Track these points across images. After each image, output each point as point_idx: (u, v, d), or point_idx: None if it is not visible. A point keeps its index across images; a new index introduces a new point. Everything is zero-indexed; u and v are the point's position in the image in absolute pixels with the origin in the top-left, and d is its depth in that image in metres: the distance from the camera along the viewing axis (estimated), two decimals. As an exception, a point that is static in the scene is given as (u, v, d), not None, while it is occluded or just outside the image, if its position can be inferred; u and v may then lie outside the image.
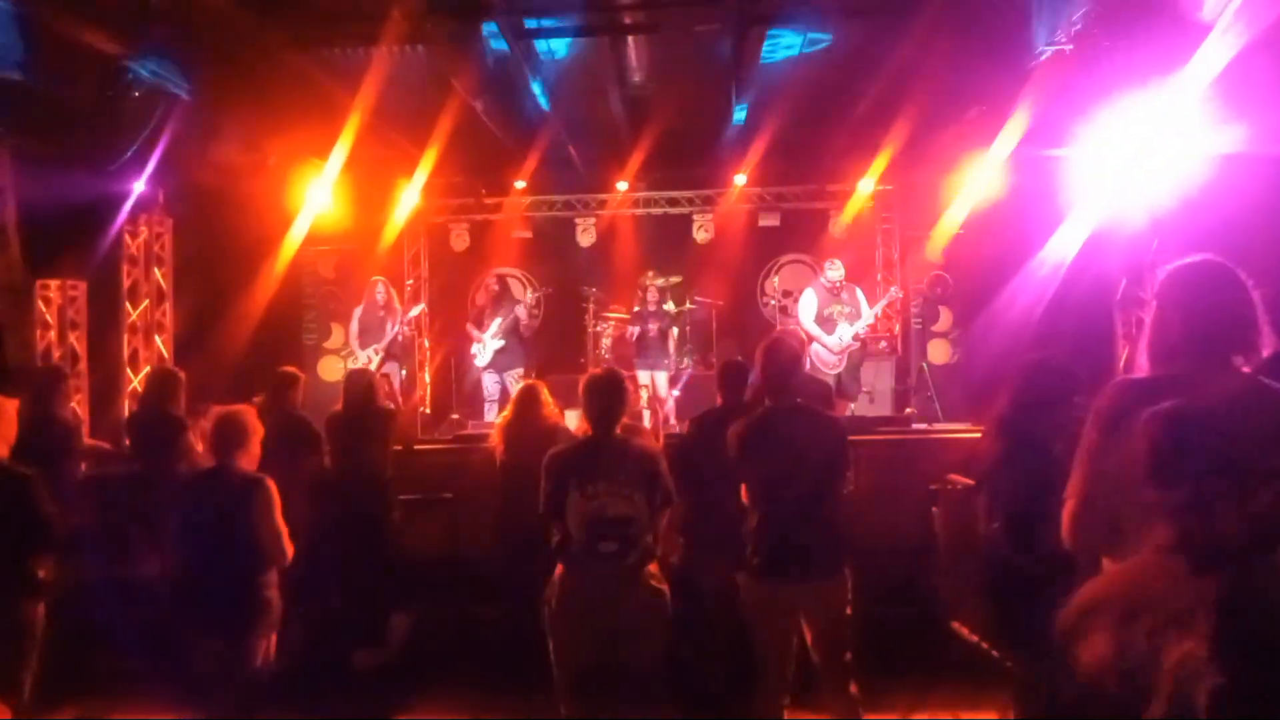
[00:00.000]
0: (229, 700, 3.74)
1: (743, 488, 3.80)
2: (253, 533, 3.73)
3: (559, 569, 3.69)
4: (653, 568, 3.67)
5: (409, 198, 10.31)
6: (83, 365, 8.22)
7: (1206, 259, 2.32)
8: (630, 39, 7.37)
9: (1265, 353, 2.38)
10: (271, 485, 3.86)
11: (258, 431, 3.97)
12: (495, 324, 9.59)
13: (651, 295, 9.91)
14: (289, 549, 3.84)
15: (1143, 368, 2.32)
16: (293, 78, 7.38)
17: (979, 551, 3.65)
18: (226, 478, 3.83)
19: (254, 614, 3.76)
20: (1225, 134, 6.67)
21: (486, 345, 9.56)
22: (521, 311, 10.15)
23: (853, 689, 3.77)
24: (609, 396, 3.62)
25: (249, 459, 3.92)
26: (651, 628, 3.62)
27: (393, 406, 6.60)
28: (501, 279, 10.20)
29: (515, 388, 9.17)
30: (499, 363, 9.58)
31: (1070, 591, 2.79)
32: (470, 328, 9.82)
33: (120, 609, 5.57)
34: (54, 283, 7.97)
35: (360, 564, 5.25)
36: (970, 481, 4.12)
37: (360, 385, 5.63)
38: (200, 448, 5.82)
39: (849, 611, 3.77)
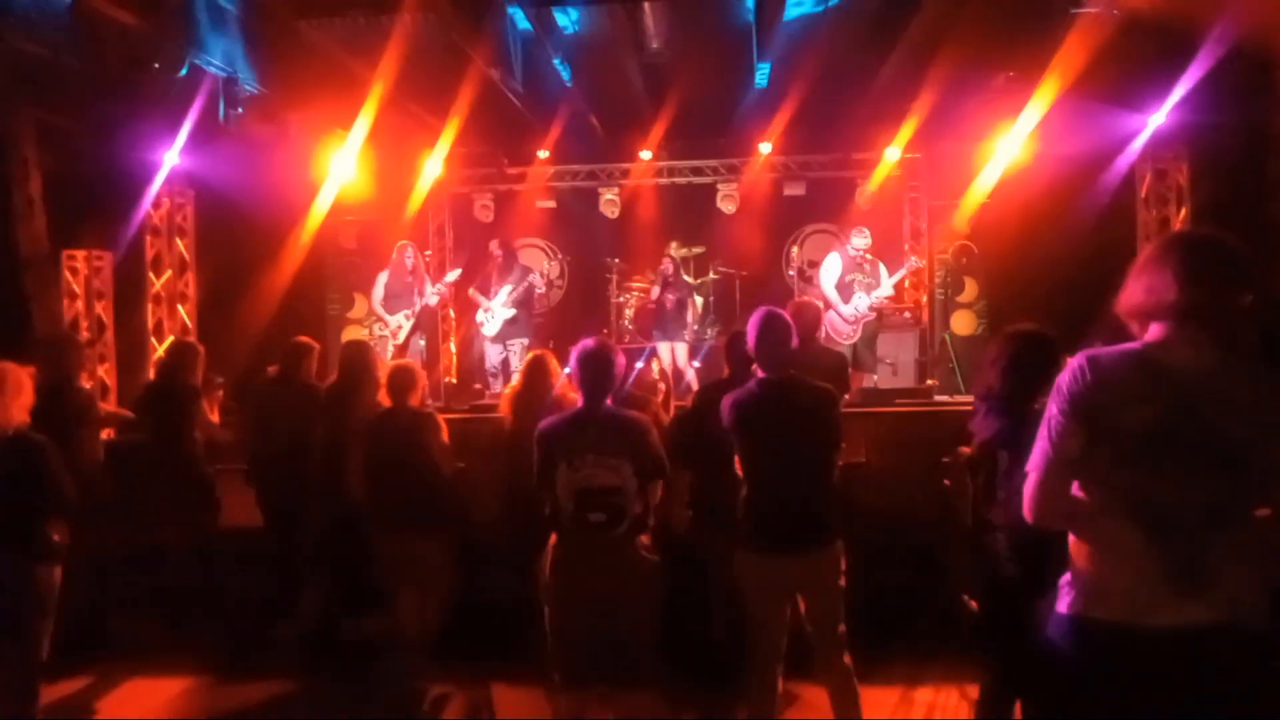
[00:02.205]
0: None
1: (736, 459, 3.79)
2: (427, 453, 4.69)
3: (552, 539, 3.72)
4: (644, 538, 3.67)
5: (431, 168, 10.33)
6: (109, 334, 8.38)
7: (1196, 229, 2.25)
8: (646, 5, 7.30)
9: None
10: (439, 416, 4.85)
11: (423, 379, 4.96)
12: (504, 292, 9.27)
13: (668, 266, 9.84)
14: (454, 462, 4.86)
15: (1127, 328, 2.24)
16: (314, 49, 7.40)
17: (976, 533, 3.61)
18: (401, 414, 4.75)
19: (433, 515, 4.70)
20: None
21: (495, 314, 9.28)
22: (537, 280, 9.93)
23: (846, 660, 3.76)
24: (598, 368, 3.62)
25: (417, 398, 4.85)
26: (643, 597, 3.64)
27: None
28: (506, 244, 9.76)
29: (517, 359, 9.07)
30: (506, 333, 9.32)
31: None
32: (474, 293, 9.50)
33: (139, 572, 5.74)
34: (80, 253, 8.10)
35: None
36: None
37: (355, 358, 5.51)
38: (215, 417, 5.95)
39: (842, 583, 3.75)
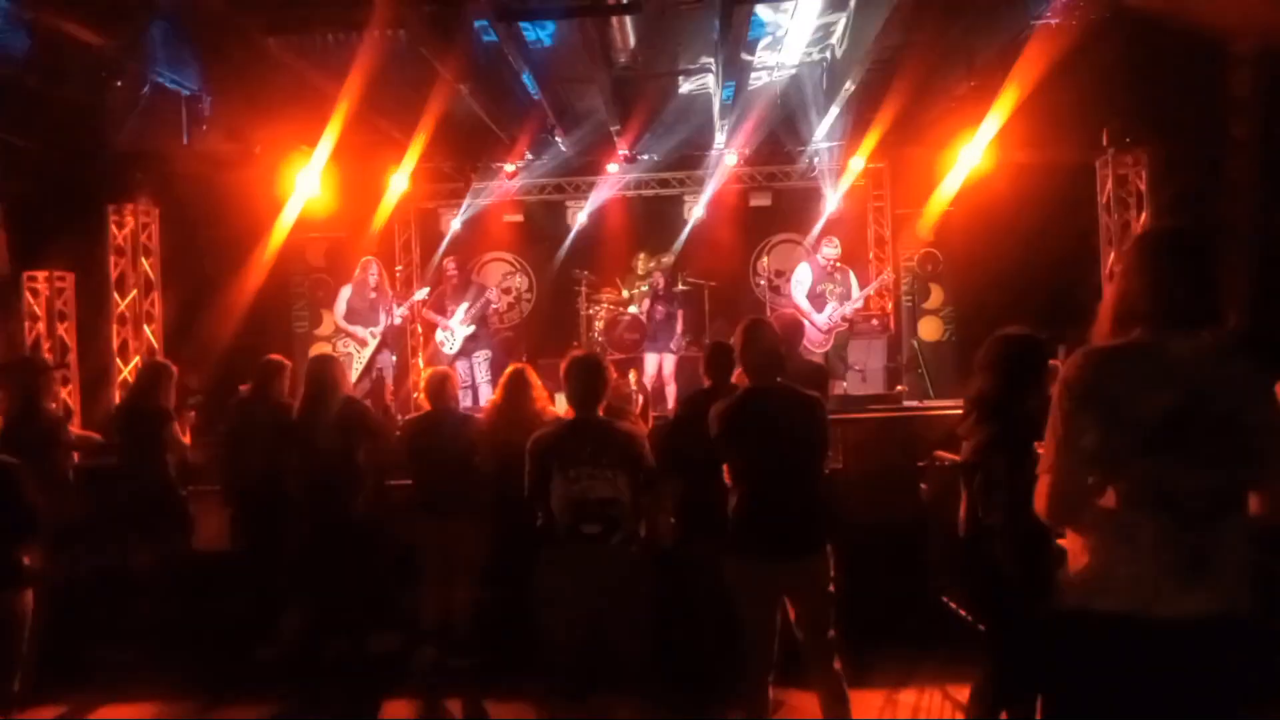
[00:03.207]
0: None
1: (725, 468, 3.79)
2: (471, 450, 5.02)
3: (544, 551, 3.69)
4: (635, 549, 3.67)
5: (398, 183, 10.27)
6: (72, 356, 8.21)
7: (1180, 224, 2.31)
8: (614, 19, 7.32)
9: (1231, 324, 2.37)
10: (478, 420, 5.29)
11: (457, 383, 5.39)
12: (462, 310, 9.39)
13: (659, 278, 9.86)
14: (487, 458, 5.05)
15: (1102, 331, 2.29)
16: (278, 66, 7.33)
17: (970, 538, 3.62)
18: (446, 417, 5.19)
19: (474, 503, 4.97)
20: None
21: (455, 333, 9.37)
22: (494, 295, 9.98)
23: (837, 665, 3.78)
24: (590, 378, 3.62)
25: (457, 403, 5.38)
26: (636, 608, 3.64)
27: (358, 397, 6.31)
28: (459, 263, 9.96)
29: (481, 371, 9.22)
30: (467, 349, 9.42)
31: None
32: (430, 314, 9.57)
33: (113, 598, 5.62)
34: (41, 274, 7.94)
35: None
36: (955, 458, 4.11)
37: (320, 371, 5.34)
38: (187, 438, 5.85)
39: (832, 589, 3.77)
